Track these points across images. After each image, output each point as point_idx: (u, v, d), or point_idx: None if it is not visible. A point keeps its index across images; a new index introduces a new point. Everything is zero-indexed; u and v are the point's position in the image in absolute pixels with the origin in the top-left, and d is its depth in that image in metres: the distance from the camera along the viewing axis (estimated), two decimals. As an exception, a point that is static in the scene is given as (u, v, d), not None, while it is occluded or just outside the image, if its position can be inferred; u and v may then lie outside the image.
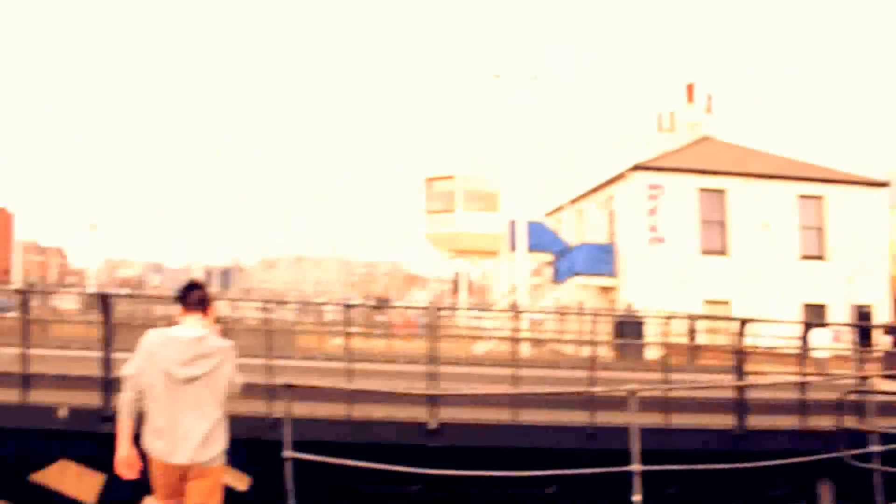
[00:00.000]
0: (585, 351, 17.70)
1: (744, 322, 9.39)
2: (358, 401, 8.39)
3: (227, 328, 9.22)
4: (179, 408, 4.13)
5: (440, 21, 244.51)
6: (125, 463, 4.25)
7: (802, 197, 27.28)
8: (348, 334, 8.93)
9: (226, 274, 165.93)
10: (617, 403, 8.84)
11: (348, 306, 9.27)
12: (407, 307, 45.03)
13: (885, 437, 6.46)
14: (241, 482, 8.92)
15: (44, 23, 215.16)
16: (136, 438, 4.33)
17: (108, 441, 8.24)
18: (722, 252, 26.78)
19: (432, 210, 28.31)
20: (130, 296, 24.08)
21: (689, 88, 32.24)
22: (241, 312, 22.17)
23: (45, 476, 9.82)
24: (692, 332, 17.14)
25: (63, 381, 8.36)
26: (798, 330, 13.76)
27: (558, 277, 27.43)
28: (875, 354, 16.71)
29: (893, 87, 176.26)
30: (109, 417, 7.97)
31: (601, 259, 26.94)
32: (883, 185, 28.46)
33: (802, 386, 9.24)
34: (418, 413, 8.50)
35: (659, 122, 33.12)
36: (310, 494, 6.74)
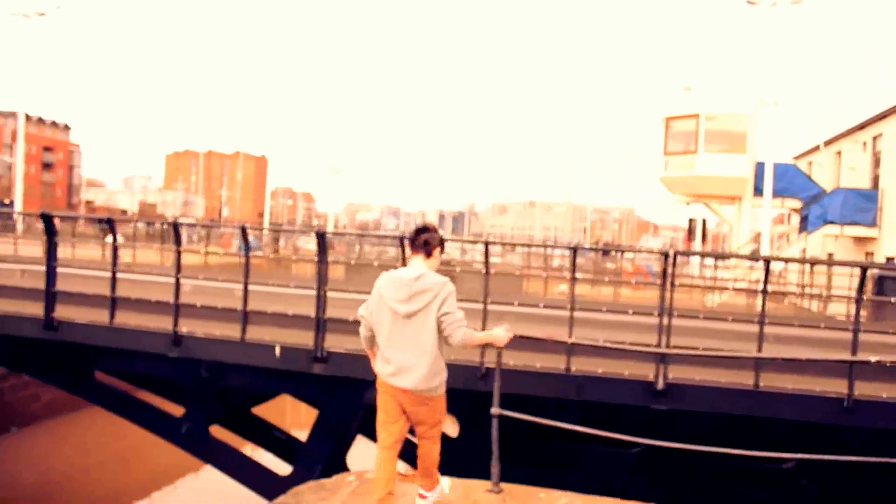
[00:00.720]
0: (832, 308, 15.66)
1: None
2: (576, 353, 7.80)
3: (451, 271, 9.00)
4: (403, 340, 4.55)
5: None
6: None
7: None
8: (573, 280, 8.28)
9: (459, 218, 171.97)
10: (879, 373, 7.50)
11: (574, 250, 8.55)
12: (639, 250, 42.97)
13: None
14: (452, 429, 8.74)
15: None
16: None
17: (320, 381, 8.42)
18: None
19: (671, 151, 26.60)
20: (337, 233, 25.06)
21: None
22: (469, 256, 22.38)
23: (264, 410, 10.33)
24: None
25: (283, 319, 8.62)
26: None
27: (807, 227, 24.85)
28: None
29: None
30: (323, 358, 8.10)
31: (860, 206, 24.19)
32: None
33: None
34: (645, 370, 7.75)
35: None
36: (518, 449, 6.28)
